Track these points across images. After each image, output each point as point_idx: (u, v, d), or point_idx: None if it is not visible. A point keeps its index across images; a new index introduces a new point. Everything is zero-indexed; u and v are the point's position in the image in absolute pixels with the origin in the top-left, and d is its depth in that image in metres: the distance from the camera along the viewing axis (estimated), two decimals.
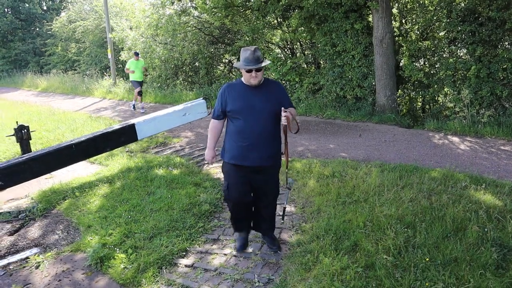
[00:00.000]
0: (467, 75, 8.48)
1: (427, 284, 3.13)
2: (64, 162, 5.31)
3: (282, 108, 3.32)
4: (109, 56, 18.29)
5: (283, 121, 3.32)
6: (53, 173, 5.99)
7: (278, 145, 3.61)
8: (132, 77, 12.62)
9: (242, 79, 3.53)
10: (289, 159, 2.91)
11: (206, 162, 3.66)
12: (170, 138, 8.49)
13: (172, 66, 15.69)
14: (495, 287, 3.03)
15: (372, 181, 5.18)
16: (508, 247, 3.59)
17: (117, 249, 4.02)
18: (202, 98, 6.95)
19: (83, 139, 5.51)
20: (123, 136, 5.94)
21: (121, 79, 18.97)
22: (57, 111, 12.88)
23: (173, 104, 12.29)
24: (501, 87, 8.11)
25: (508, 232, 3.81)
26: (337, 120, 9.67)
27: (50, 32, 28.00)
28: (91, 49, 22.92)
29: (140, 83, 12.59)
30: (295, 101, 11.12)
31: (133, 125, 6.03)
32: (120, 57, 17.88)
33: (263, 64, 3.37)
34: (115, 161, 6.87)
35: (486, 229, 3.86)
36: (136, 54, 12.53)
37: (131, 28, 17.82)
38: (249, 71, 3.36)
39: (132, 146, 7.73)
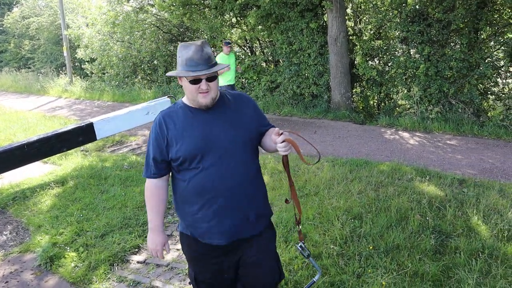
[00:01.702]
0: (417, 73, 8.84)
1: (369, 270, 3.30)
2: (15, 163, 5.07)
3: (276, 128, 2.00)
4: (65, 54, 17.78)
5: (282, 149, 1.92)
6: (3, 174, 5.81)
7: (265, 193, 2.29)
8: (223, 80, 8.22)
9: (184, 99, 2.14)
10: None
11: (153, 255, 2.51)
12: (127, 136, 8.39)
13: (130, 64, 15.45)
14: (431, 271, 3.24)
15: (324, 175, 5.35)
16: (446, 233, 3.83)
17: (68, 248, 3.98)
18: (167, 96, 6.85)
19: (35, 139, 5.29)
20: (81, 136, 5.70)
21: (78, 77, 18.49)
22: (8, 110, 12.43)
23: (131, 103, 12.13)
24: (448, 84, 8.51)
25: (447, 219, 4.06)
26: (293, 117, 9.85)
27: (1, 28, 26.86)
28: (46, 47, 22.17)
29: (232, 87, 8.56)
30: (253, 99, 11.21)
31: (91, 124, 5.87)
32: (76, 55, 17.41)
33: (217, 69, 1.97)
34: (69, 161, 6.74)
35: (427, 218, 4.10)
36: (227, 43, 8.29)
37: (87, 25, 17.40)
38: (195, 81, 1.94)
39: (88, 145, 7.58)
